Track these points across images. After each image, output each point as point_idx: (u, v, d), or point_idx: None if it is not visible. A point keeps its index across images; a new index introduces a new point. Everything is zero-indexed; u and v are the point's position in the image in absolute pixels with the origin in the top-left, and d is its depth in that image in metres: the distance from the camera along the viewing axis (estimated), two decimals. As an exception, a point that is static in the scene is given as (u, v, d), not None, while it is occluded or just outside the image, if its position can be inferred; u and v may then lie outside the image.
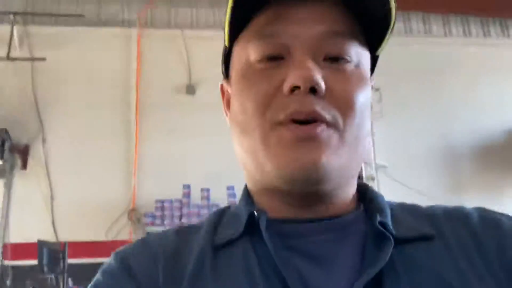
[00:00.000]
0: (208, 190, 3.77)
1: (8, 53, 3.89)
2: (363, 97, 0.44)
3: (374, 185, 3.94)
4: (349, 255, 0.42)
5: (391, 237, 0.41)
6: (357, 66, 0.45)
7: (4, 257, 3.63)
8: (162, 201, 3.72)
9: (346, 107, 0.42)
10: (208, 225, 0.47)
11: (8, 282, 3.57)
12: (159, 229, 3.66)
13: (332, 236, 0.43)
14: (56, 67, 4.00)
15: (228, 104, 0.51)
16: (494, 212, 0.47)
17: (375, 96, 4.16)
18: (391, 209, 0.47)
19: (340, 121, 0.42)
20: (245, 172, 0.49)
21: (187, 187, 3.80)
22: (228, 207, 0.51)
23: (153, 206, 3.71)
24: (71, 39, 4.08)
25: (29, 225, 3.62)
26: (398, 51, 4.43)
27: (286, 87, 0.41)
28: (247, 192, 0.49)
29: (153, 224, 3.66)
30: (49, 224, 3.63)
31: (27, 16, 4.04)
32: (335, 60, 0.43)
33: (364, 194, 0.49)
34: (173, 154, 3.96)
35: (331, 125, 0.42)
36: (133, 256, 0.45)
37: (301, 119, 0.41)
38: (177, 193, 3.75)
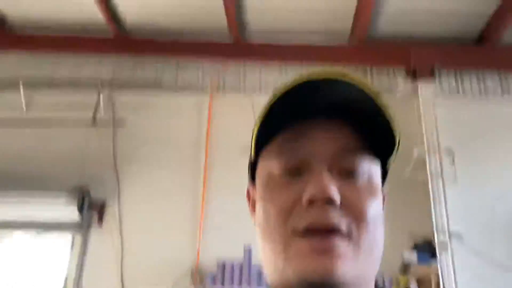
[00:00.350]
0: (270, 252, 3.73)
1: (93, 117, 4.30)
2: (375, 207, 0.49)
3: (447, 255, 3.66)
4: None
5: None
6: (368, 178, 0.50)
7: (76, 310, 3.79)
8: (224, 262, 3.72)
9: (360, 217, 0.47)
10: None
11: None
12: (221, 290, 3.64)
13: None
14: (134, 129, 4.32)
15: (253, 206, 0.58)
16: None
17: (448, 159, 3.98)
18: None
19: (354, 231, 0.47)
20: (266, 272, 0.53)
21: (248, 248, 3.78)
22: None
23: (215, 266, 3.73)
24: (149, 104, 4.42)
25: (100, 280, 3.79)
26: (473, 111, 4.27)
27: (305, 199, 0.46)
28: None
29: (214, 286, 3.65)
30: (119, 281, 3.77)
31: (112, 83, 4.47)
32: (348, 174, 0.49)
33: None
34: (236, 213, 4.01)
35: (346, 235, 0.46)
36: None
37: (319, 229, 0.46)
38: (240, 253, 3.75)
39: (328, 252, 0.45)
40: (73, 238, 4.01)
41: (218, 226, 3.98)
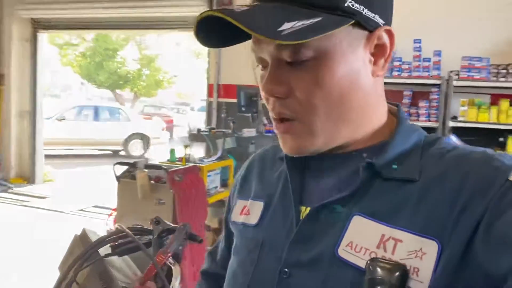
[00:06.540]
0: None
1: None
2: (325, 85, 0.53)
3: None
4: (340, 180, 0.57)
5: (363, 175, 0.54)
6: (317, 57, 0.52)
7: (218, 95, 4.43)
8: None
9: (303, 101, 0.53)
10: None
11: (222, 115, 4.42)
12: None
13: (333, 165, 0.59)
14: None
15: None
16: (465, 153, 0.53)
17: None
18: (411, 152, 0.56)
19: (301, 113, 0.54)
20: None
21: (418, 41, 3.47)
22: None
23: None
24: None
25: (235, 71, 4.22)
26: None
27: (262, 97, 0.58)
28: None
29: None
30: (251, 71, 4.13)
31: None
32: (295, 62, 0.53)
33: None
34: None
35: (296, 119, 0.55)
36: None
37: (276, 118, 0.57)
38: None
39: (287, 133, 0.56)
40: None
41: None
